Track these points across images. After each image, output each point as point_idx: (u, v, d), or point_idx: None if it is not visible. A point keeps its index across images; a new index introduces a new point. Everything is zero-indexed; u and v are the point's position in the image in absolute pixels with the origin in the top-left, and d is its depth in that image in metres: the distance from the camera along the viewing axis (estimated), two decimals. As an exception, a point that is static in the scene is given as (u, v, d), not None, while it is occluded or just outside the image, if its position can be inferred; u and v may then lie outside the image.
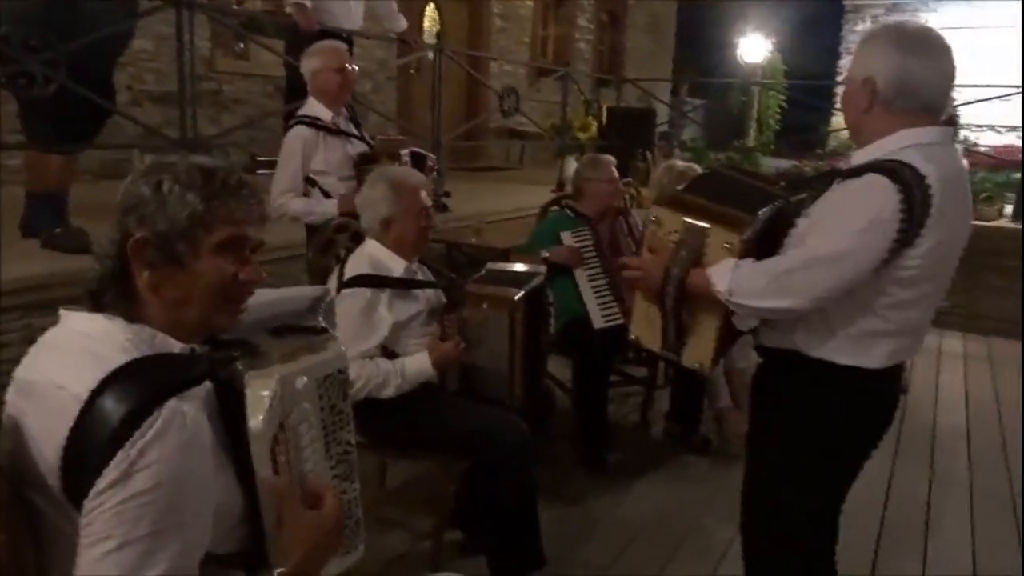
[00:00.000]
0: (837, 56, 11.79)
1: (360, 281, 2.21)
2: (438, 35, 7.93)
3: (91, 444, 0.92)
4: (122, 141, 4.38)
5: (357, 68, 3.20)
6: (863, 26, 11.06)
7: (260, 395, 1.07)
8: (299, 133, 3.06)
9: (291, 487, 1.08)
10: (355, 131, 3.23)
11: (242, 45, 5.98)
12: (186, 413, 0.95)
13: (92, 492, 0.91)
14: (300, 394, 1.13)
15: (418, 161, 3.20)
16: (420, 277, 2.38)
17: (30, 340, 1.09)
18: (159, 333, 1.05)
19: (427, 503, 2.47)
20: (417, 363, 2.21)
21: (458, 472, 2.29)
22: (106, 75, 3.32)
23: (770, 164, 8.12)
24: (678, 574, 2.52)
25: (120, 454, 0.90)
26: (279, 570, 1.04)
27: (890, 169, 1.47)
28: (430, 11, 8.11)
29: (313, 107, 3.12)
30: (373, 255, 2.29)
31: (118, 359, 0.97)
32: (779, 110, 10.62)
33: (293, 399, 1.11)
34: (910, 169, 1.46)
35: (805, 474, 1.71)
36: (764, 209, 1.63)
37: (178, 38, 3.52)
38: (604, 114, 7.20)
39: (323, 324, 1.26)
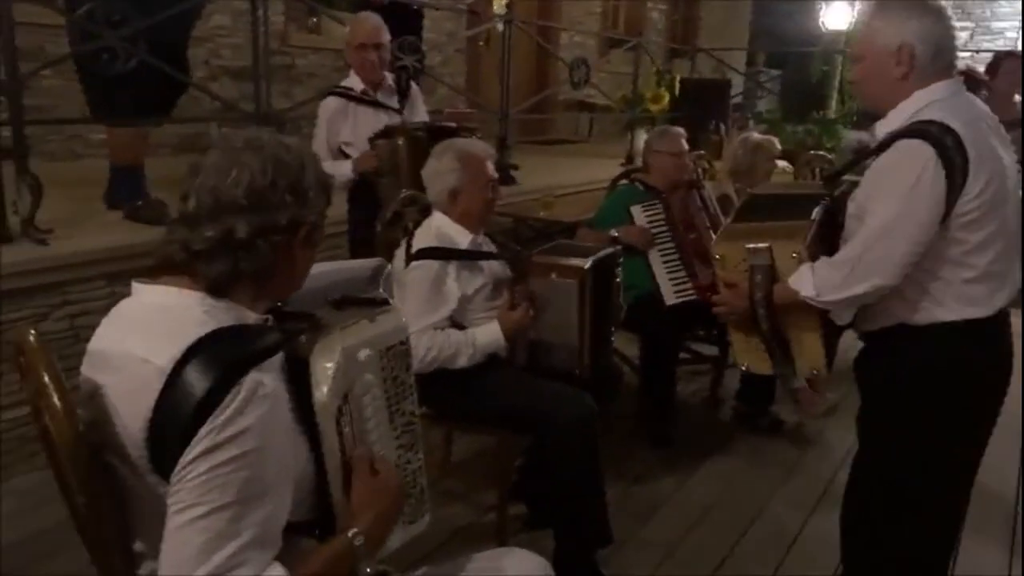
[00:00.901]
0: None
1: (427, 254, 2.21)
2: (508, 5, 7.83)
3: (176, 417, 0.94)
4: (199, 115, 4.50)
5: (384, 43, 3.12)
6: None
7: (324, 367, 1.07)
8: (326, 104, 3.11)
9: (359, 456, 1.10)
10: (394, 104, 3.18)
11: (315, 19, 6.04)
12: (266, 384, 0.97)
13: (179, 464, 0.93)
14: (363, 366, 1.13)
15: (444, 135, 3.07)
16: (485, 250, 2.36)
17: (115, 308, 1.11)
18: (234, 304, 1.06)
19: (490, 476, 2.47)
20: (488, 333, 2.21)
21: (522, 446, 2.28)
22: (180, 48, 3.40)
23: (851, 136, 7.75)
24: (745, 559, 2.45)
25: (205, 426, 0.92)
26: (354, 530, 1.05)
27: (917, 131, 1.54)
28: (500, -19, 8.01)
29: (351, 77, 3.16)
30: (440, 228, 2.29)
31: (197, 331, 0.98)
32: (864, 79, 10.10)
33: (356, 371, 1.12)
34: (936, 125, 1.53)
35: (932, 448, 1.69)
36: (815, 210, 1.78)
37: (252, 12, 3.58)
38: (677, 85, 7.01)
39: (384, 295, 1.26)
